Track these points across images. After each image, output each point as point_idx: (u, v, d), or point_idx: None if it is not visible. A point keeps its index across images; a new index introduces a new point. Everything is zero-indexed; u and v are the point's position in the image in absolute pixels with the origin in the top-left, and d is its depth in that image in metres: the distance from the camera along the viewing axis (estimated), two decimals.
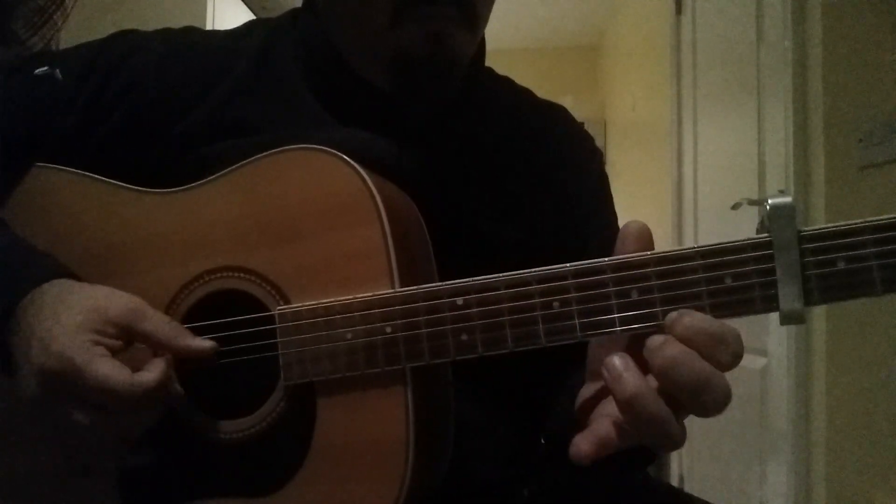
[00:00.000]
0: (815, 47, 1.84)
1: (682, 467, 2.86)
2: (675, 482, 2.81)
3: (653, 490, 0.82)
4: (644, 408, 0.51)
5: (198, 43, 0.78)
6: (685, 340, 0.51)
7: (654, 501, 0.80)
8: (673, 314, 0.52)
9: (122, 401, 0.57)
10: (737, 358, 0.51)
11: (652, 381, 0.52)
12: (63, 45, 1.43)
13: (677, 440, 0.52)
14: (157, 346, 0.61)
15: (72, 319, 0.58)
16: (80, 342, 0.57)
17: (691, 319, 0.51)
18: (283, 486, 0.61)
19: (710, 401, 0.50)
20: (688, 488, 2.72)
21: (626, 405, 0.51)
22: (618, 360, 0.52)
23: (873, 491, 1.64)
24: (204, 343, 0.61)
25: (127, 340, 0.60)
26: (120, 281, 0.65)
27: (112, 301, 0.61)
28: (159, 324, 0.61)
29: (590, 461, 0.54)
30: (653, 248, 0.54)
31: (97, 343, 0.58)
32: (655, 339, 0.52)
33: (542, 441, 0.76)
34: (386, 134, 0.72)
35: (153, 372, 0.58)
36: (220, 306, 0.64)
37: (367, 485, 0.59)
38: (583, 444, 0.54)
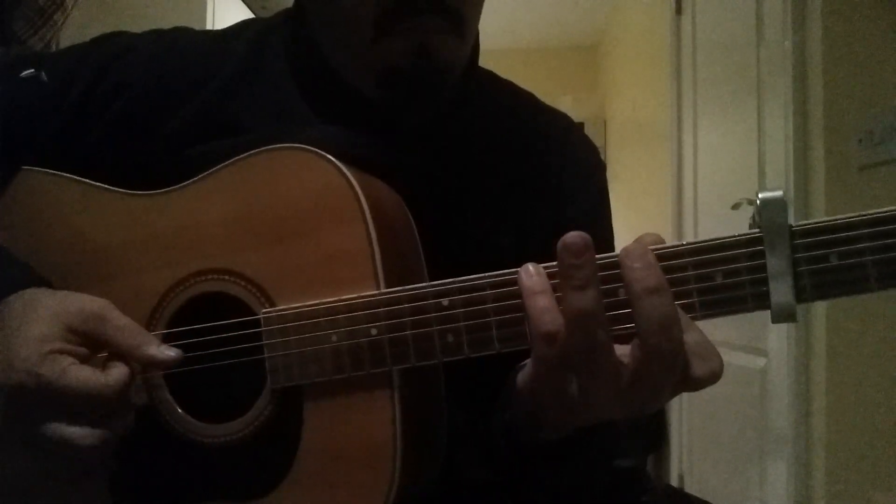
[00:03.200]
0: (815, 47, 1.83)
1: (682, 467, 2.85)
2: (675, 482, 2.81)
3: (653, 490, 0.81)
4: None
5: (187, 43, 0.77)
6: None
7: (654, 501, 0.79)
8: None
9: (103, 403, 0.56)
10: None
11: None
12: (63, 45, 1.43)
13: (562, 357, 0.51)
14: (118, 354, 0.59)
15: (35, 330, 0.57)
16: (44, 354, 0.56)
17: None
18: (271, 490, 0.61)
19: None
20: (688, 488, 2.71)
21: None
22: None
23: (873, 491, 1.63)
24: (168, 352, 0.60)
25: (93, 346, 0.59)
26: (105, 285, 0.64)
27: (74, 307, 0.59)
28: (123, 330, 0.59)
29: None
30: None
31: (62, 352, 0.57)
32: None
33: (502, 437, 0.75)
34: (377, 137, 0.71)
35: (119, 367, 0.58)
36: (206, 309, 0.63)
37: (355, 488, 0.58)
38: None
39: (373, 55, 0.68)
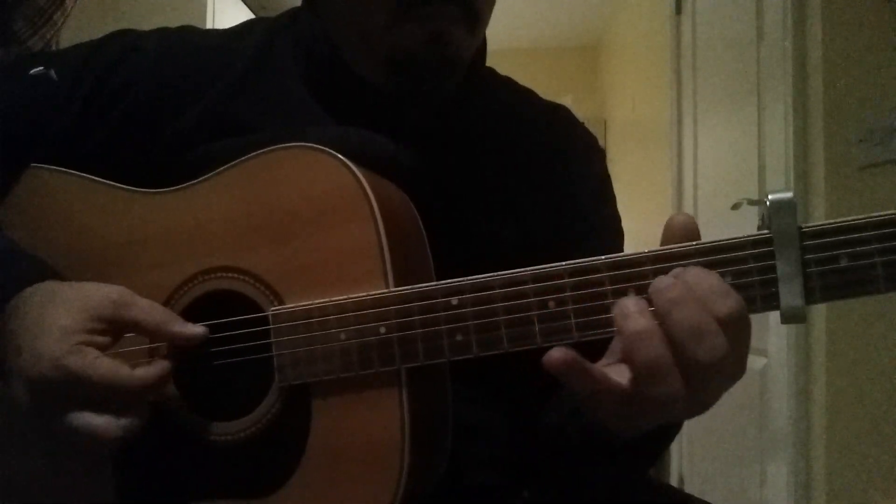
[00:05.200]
0: (815, 47, 1.83)
1: (682, 467, 2.86)
2: (675, 482, 2.81)
3: (653, 490, 0.81)
4: (648, 348, 0.49)
5: (195, 42, 0.77)
6: (689, 288, 0.50)
7: (654, 501, 0.79)
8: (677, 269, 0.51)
9: (126, 394, 0.57)
10: (732, 315, 0.49)
11: None
12: (63, 46, 1.43)
13: (677, 397, 0.50)
14: (146, 333, 0.60)
15: (59, 322, 0.58)
16: (70, 346, 0.56)
17: (698, 272, 0.50)
18: (278, 488, 0.61)
19: (706, 351, 0.48)
20: (688, 488, 2.71)
21: (630, 341, 0.50)
22: (631, 301, 0.51)
23: (873, 491, 1.64)
24: (195, 329, 0.61)
25: (116, 333, 0.60)
26: (115, 282, 0.64)
27: (95, 295, 0.60)
28: (147, 310, 0.60)
29: (554, 367, 0.51)
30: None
31: (88, 344, 0.57)
32: (663, 280, 0.51)
33: (539, 437, 0.75)
34: (383, 132, 0.72)
35: (154, 367, 0.59)
36: (214, 307, 0.63)
37: (362, 487, 0.58)
38: (555, 352, 0.51)
39: (387, 42, 0.69)
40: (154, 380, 0.58)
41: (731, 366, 0.50)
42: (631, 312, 0.50)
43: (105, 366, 0.57)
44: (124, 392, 0.57)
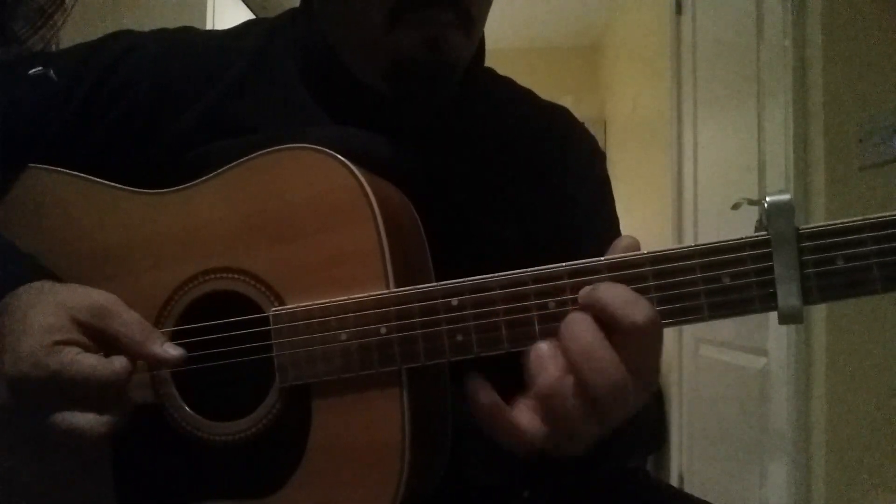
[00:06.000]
0: (815, 47, 1.83)
1: (682, 467, 2.86)
2: (675, 482, 2.81)
3: (653, 490, 0.81)
4: (562, 402, 0.52)
5: (194, 42, 0.77)
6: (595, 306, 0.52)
7: (655, 501, 0.79)
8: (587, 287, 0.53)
9: (110, 390, 0.57)
10: (649, 320, 0.51)
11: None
12: (63, 46, 1.43)
13: (586, 430, 0.53)
14: (124, 349, 0.59)
15: (42, 321, 0.57)
16: (51, 344, 0.56)
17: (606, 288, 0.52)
18: (278, 488, 0.61)
19: (593, 378, 0.51)
20: (688, 488, 2.71)
21: (542, 395, 0.53)
22: (545, 347, 0.53)
23: (873, 491, 1.64)
24: (172, 352, 0.60)
25: (97, 339, 0.59)
26: (114, 283, 0.64)
27: (82, 299, 0.59)
28: (128, 325, 0.60)
29: (478, 410, 0.54)
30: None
31: (68, 342, 0.57)
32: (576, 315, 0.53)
33: None
34: (382, 133, 0.72)
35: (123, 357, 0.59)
36: (215, 308, 0.63)
37: (362, 488, 0.58)
38: (482, 396, 0.54)
39: (384, 46, 0.69)
40: (125, 371, 0.58)
41: (632, 385, 0.52)
42: (544, 358, 0.53)
43: (84, 362, 0.56)
44: (105, 387, 0.56)
